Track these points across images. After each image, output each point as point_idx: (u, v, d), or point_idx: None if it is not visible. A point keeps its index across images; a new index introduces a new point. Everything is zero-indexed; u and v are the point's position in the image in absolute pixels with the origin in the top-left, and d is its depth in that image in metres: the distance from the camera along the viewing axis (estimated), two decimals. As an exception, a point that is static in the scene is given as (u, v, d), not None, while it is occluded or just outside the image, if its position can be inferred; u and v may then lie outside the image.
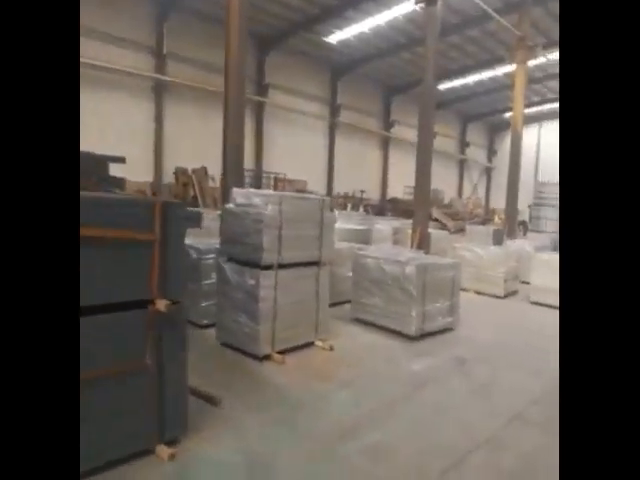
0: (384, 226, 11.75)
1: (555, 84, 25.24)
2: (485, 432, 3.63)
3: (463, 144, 34.41)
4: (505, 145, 37.31)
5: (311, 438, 3.38)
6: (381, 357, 5.12)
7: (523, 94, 13.09)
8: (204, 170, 16.55)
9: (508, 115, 34.01)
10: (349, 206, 21.48)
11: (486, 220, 26.13)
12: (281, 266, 4.70)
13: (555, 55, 18.00)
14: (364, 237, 11.48)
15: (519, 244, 10.03)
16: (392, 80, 26.02)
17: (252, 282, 4.50)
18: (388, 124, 27.26)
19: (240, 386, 4.16)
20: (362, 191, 25.43)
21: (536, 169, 32.76)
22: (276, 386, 4.21)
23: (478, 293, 8.00)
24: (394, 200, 26.60)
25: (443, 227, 22.75)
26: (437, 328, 5.79)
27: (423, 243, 10.35)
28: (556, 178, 20.33)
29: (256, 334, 4.57)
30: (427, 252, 10.09)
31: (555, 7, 18.37)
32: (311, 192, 18.24)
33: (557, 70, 22.46)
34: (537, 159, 33.31)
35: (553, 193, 13.95)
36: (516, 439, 3.58)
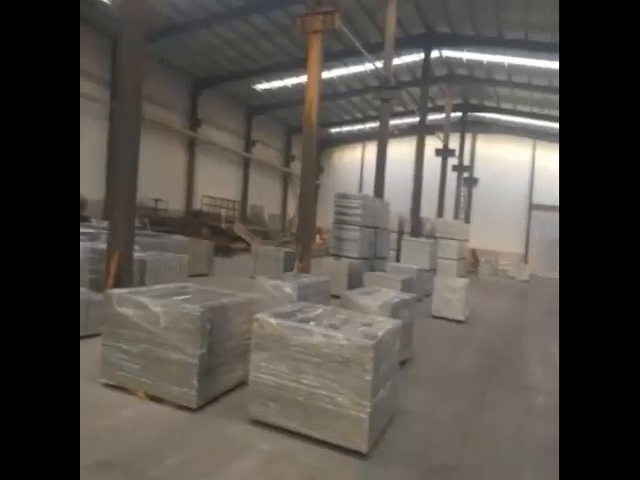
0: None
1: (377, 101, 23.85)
2: None
3: (288, 157, 31.69)
4: (332, 162, 36.22)
5: None
6: None
7: (319, 72, 9.72)
8: None
9: (335, 130, 32.90)
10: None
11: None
12: None
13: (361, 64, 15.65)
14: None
15: (282, 282, 6.01)
16: (199, 70, 21.64)
17: None
18: (195, 122, 22.62)
19: None
20: (157, 200, 20.31)
21: (360, 185, 31.70)
22: None
23: (153, 399, 3.69)
24: (197, 213, 21.98)
25: (247, 246, 18.93)
26: None
27: (122, 278, 5.81)
28: (365, 191, 18.92)
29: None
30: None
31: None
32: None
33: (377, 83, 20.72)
34: (361, 176, 32.35)
35: (355, 208, 10.59)
36: None
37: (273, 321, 3.40)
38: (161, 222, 18.66)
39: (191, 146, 22.75)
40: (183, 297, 3.93)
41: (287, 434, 3.40)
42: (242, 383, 4.09)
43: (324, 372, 3.24)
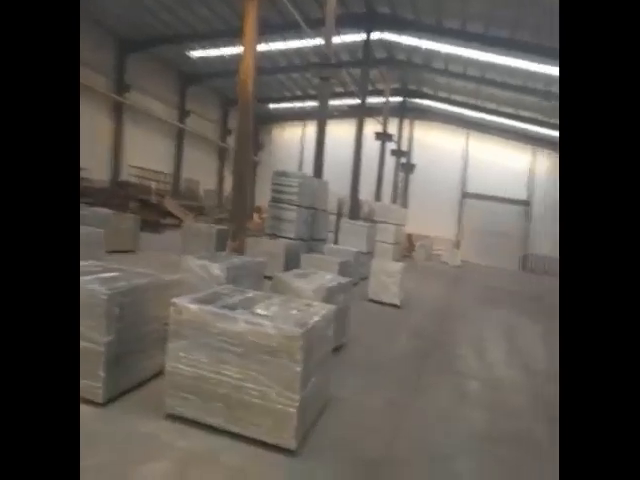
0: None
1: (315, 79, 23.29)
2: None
3: (225, 131, 30.51)
4: (272, 139, 35.36)
5: None
6: None
7: (255, 41, 9.14)
8: None
9: (274, 106, 32.02)
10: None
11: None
12: None
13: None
14: None
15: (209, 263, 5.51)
16: (127, 28, 19.95)
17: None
18: (122, 87, 20.98)
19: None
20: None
21: (300, 165, 31.23)
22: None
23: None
24: (124, 184, 20.52)
25: (179, 222, 18.01)
26: None
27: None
28: (304, 171, 18.68)
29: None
30: None
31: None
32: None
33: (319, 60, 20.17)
34: (302, 155, 31.83)
35: (293, 187, 10.23)
36: None
37: (192, 306, 3.02)
38: (83, 192, 17.21)
39: (118, 112, 21.10)
40: (90, 277, 3.42)
41: (208, 431, 3.07)
42: (162, 372, 3.68)
43: (249, 363, 2.93)
